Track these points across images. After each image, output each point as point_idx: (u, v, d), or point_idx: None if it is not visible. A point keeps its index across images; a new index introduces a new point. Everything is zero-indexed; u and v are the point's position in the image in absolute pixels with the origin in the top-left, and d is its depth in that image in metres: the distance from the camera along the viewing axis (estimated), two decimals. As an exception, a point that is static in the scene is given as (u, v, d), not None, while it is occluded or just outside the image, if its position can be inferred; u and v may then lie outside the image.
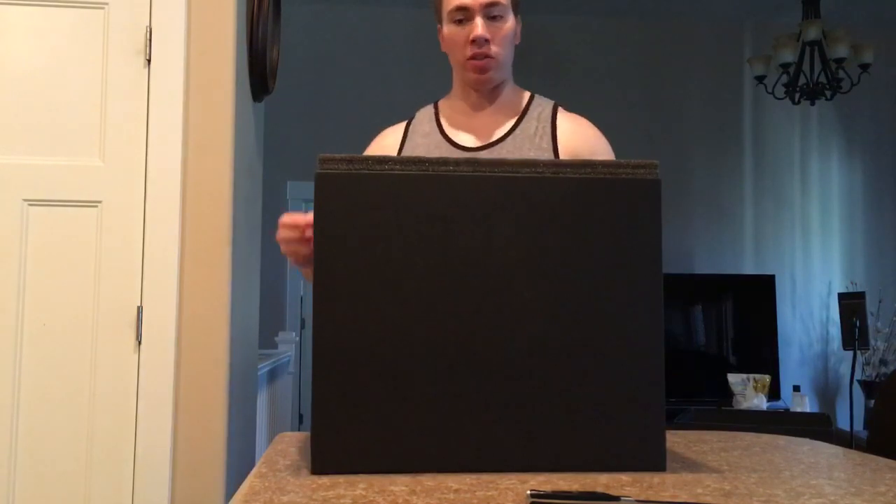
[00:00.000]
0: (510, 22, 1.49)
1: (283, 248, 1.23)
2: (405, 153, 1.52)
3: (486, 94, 1.54)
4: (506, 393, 0.86)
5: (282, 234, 1.21)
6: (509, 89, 1.56)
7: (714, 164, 5.32)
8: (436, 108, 1.60)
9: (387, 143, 1.58)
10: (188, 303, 2.16)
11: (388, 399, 0.85)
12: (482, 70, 1.48)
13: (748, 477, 0.87)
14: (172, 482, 2.11)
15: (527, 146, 1.49)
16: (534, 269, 0.88)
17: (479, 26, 1.45)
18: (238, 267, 2.29)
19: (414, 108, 1.66)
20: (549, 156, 1.49)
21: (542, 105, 1.55)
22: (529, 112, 1.54)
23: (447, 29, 1.50)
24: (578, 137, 1.52)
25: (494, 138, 1.51)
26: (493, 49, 1.47)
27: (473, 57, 1.47)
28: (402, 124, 1.60)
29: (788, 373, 5.13)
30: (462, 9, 1.46)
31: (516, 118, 1.53)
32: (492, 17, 1.46)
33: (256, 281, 2.71)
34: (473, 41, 1.46)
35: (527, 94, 1.58)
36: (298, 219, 1.19)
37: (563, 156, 1.49)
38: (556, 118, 1.53)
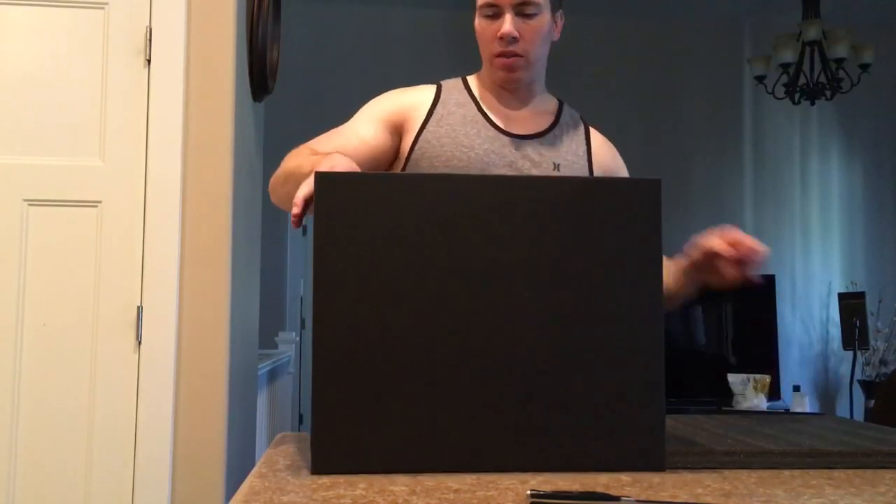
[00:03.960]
0: (544, 19, 1.41)
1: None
2: (436, 118, 1.44)
3: (516, 91, 1.48)
4: (506, 393, 0.86)
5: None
6: (541, 91, 1.52)
7: (714, 164, 5.32)
8: (465, 82, 1.52)
9: (410, 100, 1.47)
10: (188, 303, 2.16)
11: (388, 399, 0.85)
12: (510, 69, 1.43)
13: (748, 477, 0.87)
14: (172, 482, 2.11)
15: (563, 149, 1.47)
16: (534, 269, 0.88)
17: (507, 22, 1.38)
18: (238, 267, 2.29)
19: (414, 108, 1.65)
20: (584, 162, 1.49)
21: (573, 114, 1.55)
22: (563, 117, 1.52)
23: (477, 22, 1.44)
24: (609, 153, 1.55)
25: (532, 132, 1.47)
26: (523, 47, 1.41)
27: (501, 55, 1.41)
28: (429, 87, 1.50)
29: (788, 373, 5.13)
30: (492, 4, 1.40)
31: (552, 119, 1.51)
32: (524, 14, 1.39)
33: (256, 281, 2.71)
34: (501, 38, 1.39)
35: (556, 100, 1.56)
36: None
37: (595, 166, 1.50)
38: (587, 129, 1.54)
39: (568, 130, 1.50)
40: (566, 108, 1.55)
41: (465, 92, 1.50)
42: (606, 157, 1.54)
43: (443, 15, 4.98)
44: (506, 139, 1.44)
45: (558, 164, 1.46)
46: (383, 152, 1.44)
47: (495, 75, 1.46)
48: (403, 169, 1.44)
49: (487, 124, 1.45)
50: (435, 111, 1.45)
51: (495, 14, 1.40)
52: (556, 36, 1.48)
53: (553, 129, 1.49)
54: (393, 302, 0.86)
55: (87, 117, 2.15)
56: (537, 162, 1.44)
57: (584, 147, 1.50)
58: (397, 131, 1.45)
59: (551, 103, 1.54)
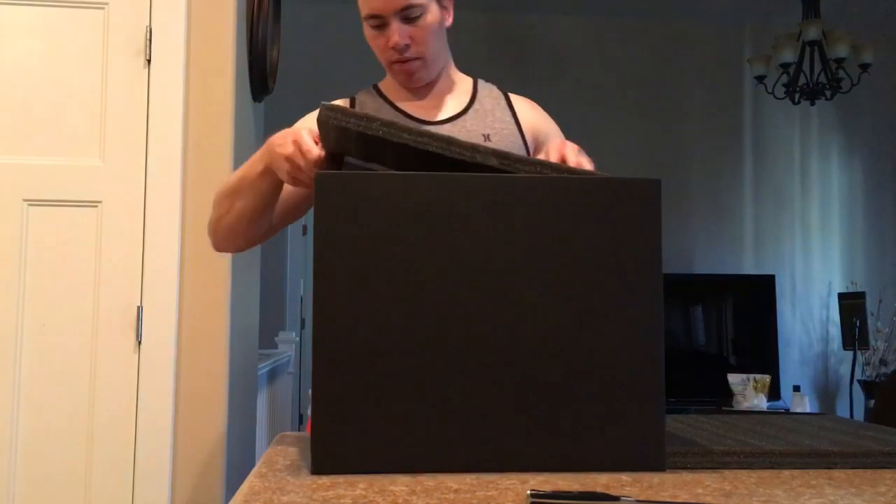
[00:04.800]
0: (431, 15, 1.39)
1: (285, 164, 1.19)
2: None
3: (426, 85, 1.49)
4: (506, 393, 0.86)
5: (293, 153, 1.17)
6: (451, 73, 1.53)
7: (714, 164, 5.32)
8: (376, 88, 1.53)
9: None
10: (188, 303, 2.16)
11: (388, 399, 0.85)
12: (409, 73, 1.44)
13: (748, 477, 0.87)
14: (172, 482, 2.11)
15: (489, 119, 1.48)
16: (534, 269, 0.88)
17: (395, 32, 1.37)
18: (238, 267, 2.29)
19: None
20: (513, 128, 1.49)
21: (489, 87, 1.56)
22: (479, 91, 1.53)
23: (366, 32, 1.43)
24: (536, 114, 1.55)
25: (453, 113, 1.48)
26: (417, 49, 1.41)
27: (398, 62, 1.42)
28: (342, 101, 1.52)
29: (788, 373, 5.13)
30: (375, 16, 1.38)
31: (470, 96, 1.52)
32: (410, 18, 1.37)
33: (256, 281, 2.71)
34: (393, 48, 1.40)
35: (469, 78, 1.57)
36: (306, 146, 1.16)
37: (525, 129, 1.50)
38: (508, 96, 1.55)
39: (489, 102, 1.51)
40: (482, 83, 1.56)
41: (378, 97, 1.51)
42: (534, 119, 1.54)
43: (443, 15, 4.98)
44: (427, 127, 1.44)
45: (488, 135, 1.46)
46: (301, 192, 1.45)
47: (398, 79, 1.48)
48: None
49: (407, 119, 1.45)
50: None
51: (381, 24, 1.39)
52: (449, 20, 1.46)
53: (473, 105, 1.50)
54: (393, 302, 0.86)
55: (87, 117, 2.14)
56: (466, 138, 1.44)
57: (508, 113, 1.51)
58: None
59: (465, 82, 1.55)
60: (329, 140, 1.14)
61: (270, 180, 1.30)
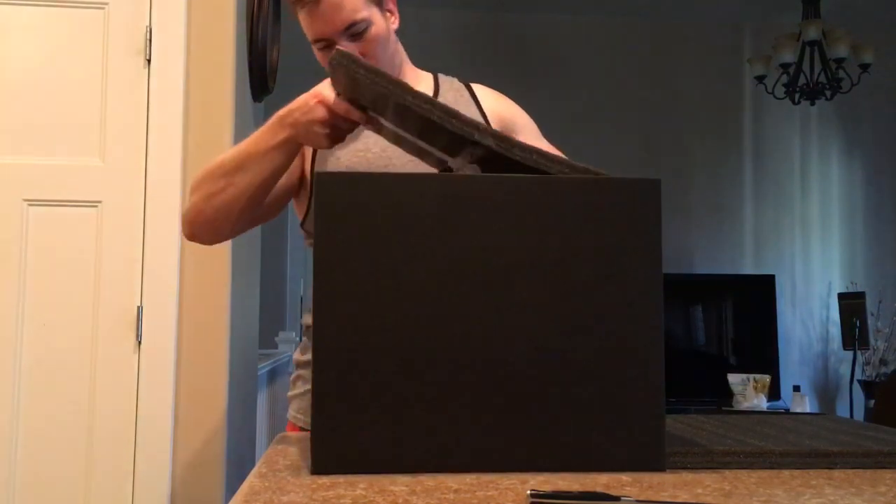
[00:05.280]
0: (376, 26, 1.37)
1: (322, 129, 1.19)
2: None
3: None
4: (506, 393, 0.86)
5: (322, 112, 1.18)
6: (409, 71, 1.51)
7: (714, 164, 5.32)
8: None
9: None
10: (188, 303, 2.16)
11: (388, 399, 0.85)
12: None
13: (748, 477, 0.87)
14: (172, 482, 2.11)
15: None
16: (533, 269, 0.88)
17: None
18: (238, 267, 2.29)
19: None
20: (478, 119, 1.47)
21: (450, 79, 1.55)
22: (441, 86, 1.53)
23: (317, 55, 1.40)
24: (501, 102, 1.54)
25: None
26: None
27: None
28: None
29: (788, 373, 5.13)
30: (321, 39, 1.36)
31: (431, 91, 1.50)
32: (355, 34, 1.35)
33: (256, 281, 2.71)
34: None
35: (430, 73, 1.56)
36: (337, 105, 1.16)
37: (491, 118, 1.49)
38: (470, 87, 1.54)
39: (451, 95, 1.50)
40: (442, 77, 1.55)
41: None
42: (498, 108, 1.52)
43: (444, 14, 4.98)
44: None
45: None
46: (292, 174, 1.43)
47: None
48: (310, 187, 1.42)
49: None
50: None
51: (329, 45, 1.36)
52: (396, 23, 1.45)
53: (437, 98, 1.48)
54: (393, 302, 0.86)
55: (87, 117, 2.14)
56: None
57: (473, 105, 1.50)
58: (301, 153, 1.43)
59: (426, 78, 1.54)
60: (339, 85, 1.15)
61: (288, 151, 1.27)
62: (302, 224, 1.53)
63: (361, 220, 0.86)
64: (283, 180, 1.40)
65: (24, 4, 2.15)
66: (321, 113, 1.19)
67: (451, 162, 1.11)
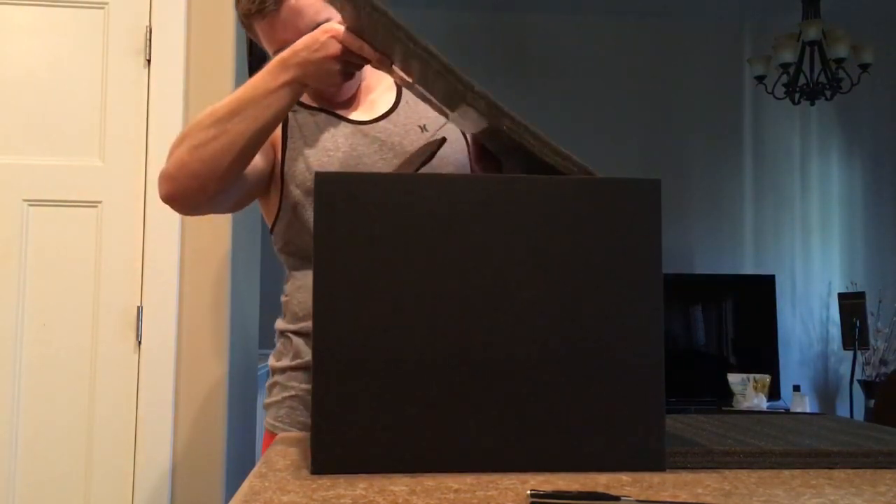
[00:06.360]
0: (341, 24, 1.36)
1: (335, 64, 1.17)
2: (292, 133, 1.39)
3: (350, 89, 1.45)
4: (506, 393, 0.86)
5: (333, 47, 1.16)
6: (369, 73, 1.47)
7: (714, 164, 5.32)
8: (303, 105, 1.47)
9: None
10: (188, 303, 2.16)
11: (388, 399, 0.85)
12: (333, 93, 1.41)
13: (748, 477, 0.87)
14: (172, 482, 2.11)
15: (420, 108, 1.45)
16: (533, 269, 0.88)
17: None
18: (238, 267, 2.29)
19: (414, 107, 1.65)
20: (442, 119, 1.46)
21: None
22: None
23: None
24: None
25: (385, 110, 1.44)
26: None
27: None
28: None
29: (788, 373, 5.12)
30: (284, 49, 1.32)
31: (394, 92, 1.48)
32: None
33: (256, 281, 2.71)
34: None
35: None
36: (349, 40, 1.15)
37: None
38: None
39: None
40: None
41: (315, 112, 1.44)
42: None
43: (444, 14, 4.98)
44: (363, 127, 1.41)
45: (424, 125, 1.44)
46: (262, 171, 1.39)
47: (326, 97, 1.43)
48: (280, 188, 1.39)
49: (340, 121, 1.41)
50: (289, 126, 1.41)
51: None
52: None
53: (401, 99, 1.47)
54: (393, 302, 0.86)
55: (87, 117, 2.15)
56: (403, 133, 1.42)
57: None
58: (273, 149, 1.41)
59: (387, 79, 1.50)
60: (347, 21, 1.14)
61: (290, 94, 1.22)
62: (271, 230, 1.45)
63: (361, 220, 0.86)
64: (255, 170, 1.35)
65: (24, 4, 2.15)
66: (335, 48, 1.16)
67: (450, 115, 1.11)
